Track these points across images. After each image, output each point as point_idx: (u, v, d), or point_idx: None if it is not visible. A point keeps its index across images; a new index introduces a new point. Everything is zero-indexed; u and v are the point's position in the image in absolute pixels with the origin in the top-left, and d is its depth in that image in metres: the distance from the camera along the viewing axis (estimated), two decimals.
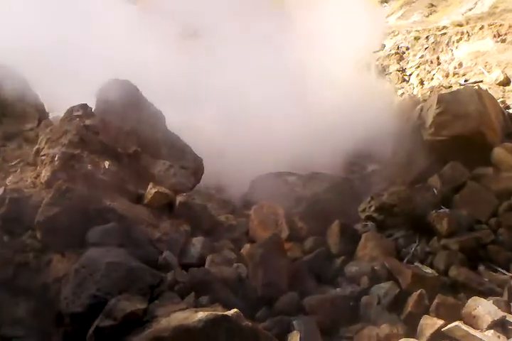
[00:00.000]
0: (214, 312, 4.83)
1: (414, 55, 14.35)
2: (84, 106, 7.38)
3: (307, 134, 9.91)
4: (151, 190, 7.14)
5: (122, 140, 7.92)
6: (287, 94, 10.80)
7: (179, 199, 7.24)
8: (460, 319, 5.29)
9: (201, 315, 4.75)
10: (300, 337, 5.11)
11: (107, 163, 6.91)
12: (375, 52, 15.20)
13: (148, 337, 4.60)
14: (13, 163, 6.46)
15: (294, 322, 5.38)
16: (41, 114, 7.56)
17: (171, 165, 8.01)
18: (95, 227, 5.99)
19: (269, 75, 11.00)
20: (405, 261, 6.67)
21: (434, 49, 14.16)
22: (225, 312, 4.87)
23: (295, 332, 5.24)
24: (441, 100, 8.62)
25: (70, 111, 7.21)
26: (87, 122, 7.16)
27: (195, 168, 8.57)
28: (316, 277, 6.46)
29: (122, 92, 8.16)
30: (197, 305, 5.31)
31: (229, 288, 5.83)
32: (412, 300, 5.63)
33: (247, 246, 6.89)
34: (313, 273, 6.48)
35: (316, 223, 7.59)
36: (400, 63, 14.27)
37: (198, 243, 6.61)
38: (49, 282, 5.35)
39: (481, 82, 10.97)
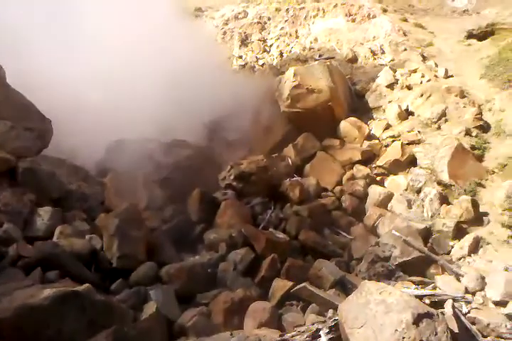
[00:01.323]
0: (63, 289, 4.52)
1: (275, 27, 14.66)
2: None
3: (167, 100, 9.58)
4: None
5: None
6: (148, 60, 10.25)
7: (22, 165, 6.49)
8: (307, 280, 5.77)
9: (48, 292, 4.41)
10: (156, 307, 5.07)
11: None
12: (238, 19, 15.20)
13: None
14: None
15: (151, 292, 5.32)
16: None
17: (12, 126, 7.11)
18: None
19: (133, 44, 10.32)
20: (261, 226, 7.01)
21: (293, 22, 14.61)
22: (75, 288, 4.60)
23: (151, 302, 5.18)
24: (296, 74, 9.08)
25: None
26: None
27: (43, 129, 7.73)
28: (176, 245, 6.43)
29: None
30: (44, 281, 4.93)
31: (81, 261, 5.49)
32: (265, 264, 5.97)
33: (102, 216, 6.51)
34: (173, 242, 6.44)
35: (176, 191, 7.51)
36: (262, 33, 14.48)
37: (45, 214, 6.04)
38: None
39: (333, 58, 11.65)
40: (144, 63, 10.08)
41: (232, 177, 7.67)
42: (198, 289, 5.68)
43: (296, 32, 14.26)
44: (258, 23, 15.03)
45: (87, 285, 4.68)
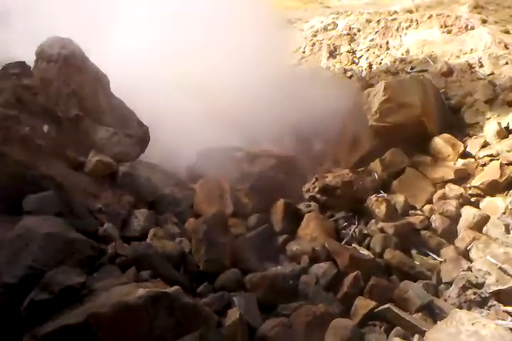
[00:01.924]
0: (155, 289, 4.75)
1: (365, 38, 14.48)
2: (21, 64, 6.80)
3: (256, 110, 9.81)
4: (92, 158, 6.81)
5: (63, 102, 7.43)
6: (237, 67, 10.57)
7: (122, 169, 6.98)
8: (392, 301, 5.61)
9: (142, 291, 4.65)
10: (240, 314, 5.17)
11: (46, 127, 6.47)
12: (327, 30, 15.22)
13: (87, 312, 4.43)
14: None
15: (235, 299, 5.43)
16: None
17: (115, 132, 7.66)
18: (31, 195, 5.60)
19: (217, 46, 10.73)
20: (344, 242, 6.92)
21: (384, 33, 14.33)
22: (166, 289, 4.82)
23: (235, 308, 5.30)
24: (387, 87, 8.88)
25: (6, 68, 6.61)
26: (25, 82, 6.61)
27: (141, 136, 8.25)
28: (258, 254, 6.54)
29: (65, 52, 7.61)
30: (138, 280, 5.19)
31: (171, 263, 5.74)
32: (348, 281, 5.88)
33: (191, 220, 6.80)
34: (256, 250, 6.56)
35: (260, 200, 7.63)
36: (351, 44, 14.37)
37: (140, 215, 6.43)
38: None
39: (426, 71, 11.27)
40: (234, 74, 10.42)
41: (316, 189, 7.67)
42: (279, 299, 5.71)
43: (387, 43, 13.98)
44: (347, 34, 14.95)
45: (177, 287, 4.91)
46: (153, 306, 4.58)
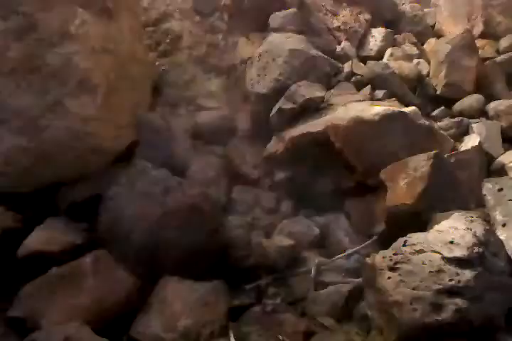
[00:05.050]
0: (391, 108, 4.80)
1: None
2: None
3: None
4: None
5: None
6: None
7: None
8: None
9: (378, 109, 4.75)
10: (479, 141, 4.92)
11: None
12: None
13: (326, 123, 4.82)
14: None
15: (474, 126, 5.14)
16: None
17: None
18: (277, 13, 5.87)
19: None
20: None
21: None
22: (403, 109, 4.83)
23: (474, 134, 5.05)
24: None
25: None
26: None
27: None
28: (508, 81, 5.81)
29: None
30: (372, 98, 5.28)
31: (407, 85, 5.60)
32: None
33: (432, 40, 6.27)
34: (505, 77, 5.82)
35: None
36: None
37: (378, 34, 6.18)
38: (236, 62, 5.67)
39: None
40: None
41: None
42: None
43: None
44: None
45: (413, 108, 4.88)
46: (388, 124, 4.67)
